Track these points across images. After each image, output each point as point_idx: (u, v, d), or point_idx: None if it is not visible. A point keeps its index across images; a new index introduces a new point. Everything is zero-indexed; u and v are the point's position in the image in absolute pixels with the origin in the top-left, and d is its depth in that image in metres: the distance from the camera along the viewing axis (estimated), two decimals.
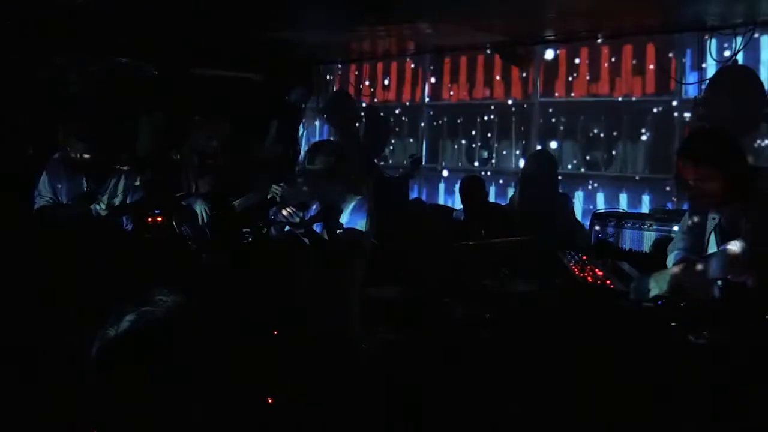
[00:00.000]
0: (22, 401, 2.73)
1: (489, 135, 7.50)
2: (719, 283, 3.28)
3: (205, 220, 5.43)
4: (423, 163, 7.63)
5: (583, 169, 6.81)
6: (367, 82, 8.40)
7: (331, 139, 8.26)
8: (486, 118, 7.50)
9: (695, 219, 3.46)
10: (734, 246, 3.12)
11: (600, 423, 2.71)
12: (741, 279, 3.13)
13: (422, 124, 8.03)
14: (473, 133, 7.61)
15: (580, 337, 3.19)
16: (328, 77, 8.83)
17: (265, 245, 5.02)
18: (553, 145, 6.96)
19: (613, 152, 6.60)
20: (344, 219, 4.19)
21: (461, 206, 6.37)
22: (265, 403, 2.64)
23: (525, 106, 7.18)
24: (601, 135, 6.66)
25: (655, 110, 6.32)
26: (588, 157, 6.77)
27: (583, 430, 2.74)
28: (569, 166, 6.89)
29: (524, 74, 7.14)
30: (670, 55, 6.20)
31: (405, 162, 7.62)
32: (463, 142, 7.70)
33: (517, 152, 7.27)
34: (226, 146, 5.66)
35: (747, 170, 3.24)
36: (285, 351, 3.45)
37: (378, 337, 4.07)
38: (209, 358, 1.72)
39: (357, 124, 8.41)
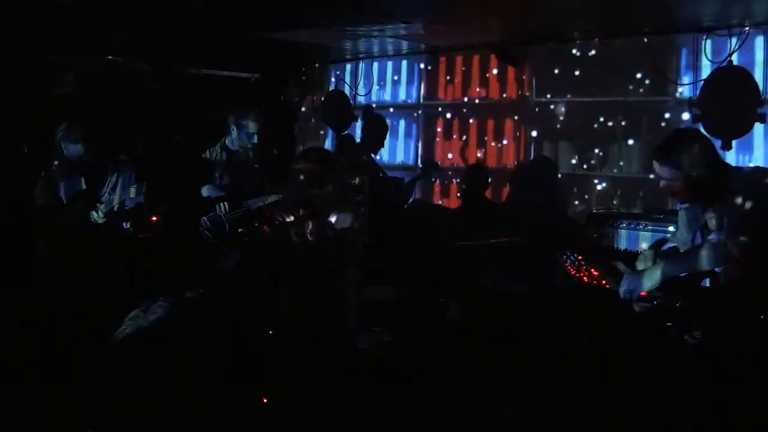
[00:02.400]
0: (23, 400, 2.73)
1: (484, 134, 7.52)
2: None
3: (224, 211, 5.53)
4: (438, 168, 7.62)
5: (579, 169, 6.82)
6: (362, 82, 8.40)
7: (317, 146, 8.27)
8: (481, 118, 7.51)
9: (686, 217, 3.61)
10: (715, 238, 3.21)
11: (596, 423, 2.72)
12: (728, 269, 3.19)
13: (418, 124, 8.06)
14: (468, 132, 7.62)
15: (577, 337, 3.20)
16: (323, 76, 8.83)
17: (259, 244, 5.03)
18: (549, 145, 6.98)
19: (609, 152, 6.61)
20: (333, 219, 4.21)
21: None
22: (262, 402, 2.64)
23: (520, 105, 7.19)
24: (597, 135, 6.67)
25: (650, 111, 6.34)
26: (583, 157, 6.79)
27: (579, 429, 2.75)
28: (565, 166, 6.90)
29: (520, 74, 7.15)
30: (666, 56, 6.21)
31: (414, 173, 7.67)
32: (459, 141, 7.71)
33: (512, 154, 7.29)
34: (257, 145, 5.76)
35: (718, 170, 3.36)
36: (281, 351, 3.45)
37: (374, 338, 4.07)
38: (219, 354, 1.74)
39: (353, 124, 8.41)
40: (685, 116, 5.98)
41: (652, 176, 3.57)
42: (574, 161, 6.85)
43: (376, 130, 8.14)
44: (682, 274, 3.40)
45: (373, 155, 7.99)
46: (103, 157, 5.34)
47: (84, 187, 5.30)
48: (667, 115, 6.23)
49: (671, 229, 4.57)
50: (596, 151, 6.68)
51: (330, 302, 4.02)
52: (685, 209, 3.63)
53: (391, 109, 8.24)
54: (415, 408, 3.11)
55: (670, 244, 3.80)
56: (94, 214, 5.24)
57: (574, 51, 6.68)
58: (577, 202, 6.77)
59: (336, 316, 4.04)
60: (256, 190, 5.72)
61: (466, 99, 7.61)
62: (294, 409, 2.89)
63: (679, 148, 3.35)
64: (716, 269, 3.43)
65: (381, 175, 7.70)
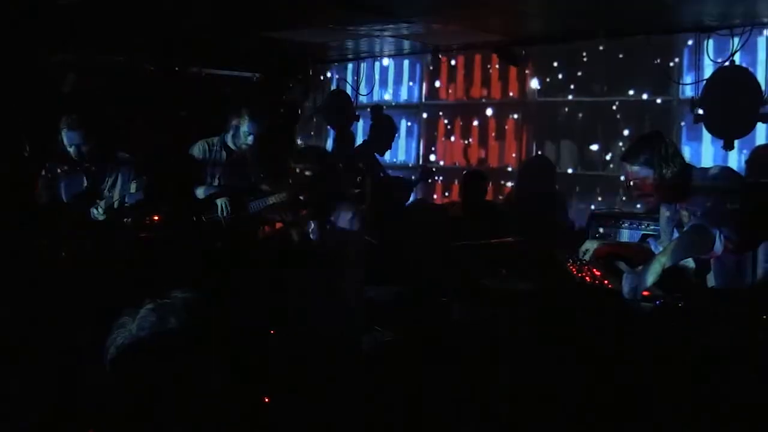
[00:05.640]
0: (24, 399, 2.72)
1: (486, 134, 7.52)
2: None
3: (225, 214, 5.52)
4: (434, 173, 7.64)
5: (580, 169, 6.82)
6: (364, 82, 8.39)
7: (316, 145, 8.27)
8: (483, 117, 7.51)
9: (665, 214, 3.81)
10: (697, 222, 3.40)
11: (599, 424, 2.72)
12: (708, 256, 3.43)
13: (420, 124, 8.06)
14: (470, 132, 7.62)
15: (579, 338, 3.20)
16: (325, 76, 8.82)
17: (260, 245, 5.03)
18: (550, 145, 6.98)
19: (611, 152, 6.61)
20: (334, 219, 4.21)
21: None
22: (263, 402, 2.64)
23: (522, 105, 7.19)
24: (599, 135, 6.67)
25: (652, 110, 6.33)
26: (585, 157, 6.78)
27: (581, 430, 2.75)
28: (567, 166, 6.89)
29: (522, 74, 7.14)
30: (668, 55, 6.21)
31: (415, 173, 7.69)
32: (461, 141, 7.71)
33: (514, 154, 7.29)
34: (256, 144, 5.72)
35: (684, 170, 3.54)
36: (283, 350, 3.45)
37: (376, 337, 4.07)
38: (216, 357, 1.73)
39: (354, 124, 8.40)
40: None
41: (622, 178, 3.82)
42: (575, 161, 6.85)
43: (385, 130, 8.13)
44: (678, 262, 3.48)
45: (378, 155, 7.99)
46: (103, 154, 5.34)
47: (85, 185, 5.30)
48: (669, 115, 6.23)
49: None
50: (597, 151, 6.68)
51: (331, 302, 4.02)
52: (665, 208, 3.79)
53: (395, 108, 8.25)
54: (415, 408, 3.11)
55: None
56: (94, 211, 5.23)
57: (575, 51, 6.68)
58: (578, 202, 6.78)
59: (337, 315, 4.04)
60: (254, 189, 5.69)
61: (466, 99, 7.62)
62: (295, 409, 2.89)
63: (646, 150, 3.55)
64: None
65: (383, 174, 7.70)
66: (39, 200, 5.32)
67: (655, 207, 3.90)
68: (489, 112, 7.47)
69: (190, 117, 7.37)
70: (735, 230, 3.29)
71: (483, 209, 6.29)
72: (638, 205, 4.94)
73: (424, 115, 8.00)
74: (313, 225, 4.22)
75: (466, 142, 7.65)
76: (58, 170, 5.30)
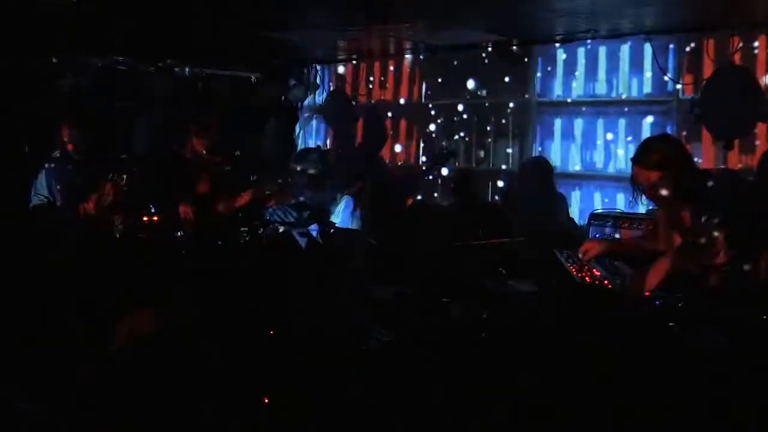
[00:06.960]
0: (22, 399, 2.73)
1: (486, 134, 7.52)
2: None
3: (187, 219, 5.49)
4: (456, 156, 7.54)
5: (580, 169, 6.82)
6: (364, 82, 8.39)
7: (318, 145, 8.28)
8: (483, 117, 7.51)
9: (665, 216, 3.76)
10: (704, 230, 3.29)
11: (600, 424, 2.72)
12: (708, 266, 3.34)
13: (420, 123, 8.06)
14: (470, 132, 7.62)
15: (579, 338, 3.20)
16: (325, 77, 8.83)
17: (261, 246, 5.02)
18: (550, 144, 6.98)
19: (611, 152, 6.61)
20: (336, 219, 4.22)
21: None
22: (263, 402, 2.64)
23: (522, 105, 7.18)
24: (599, 135, 6.67)
25: (652, 110, 6.33)
26: (585, 157, 6.78)
27: (581, 431, 2.75)
28: (566, 166, 6.89)
29: (522, 74, 7.14)
30: (668, 55, 6.21)
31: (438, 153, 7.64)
32: (460, 140, 7.71)
33: (510, 151, 7.28)
34: (229, 146, 5.69)
35: (692, 173, 3.55)
36: (283, 351, 3.45)
37: (376, 338, 4.07)
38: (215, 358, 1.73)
39: (354, 124, 8.40)
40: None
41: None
42: (575, 161, 6.86)
43: (377, 130, 8.13)
44: (683, 269, 3.45)
45: (375, 155, 7.98)
46: (100, 153, 5.34)
47: (80, 183, 5.30)
48: (669, 115, 6.23)
49: None
50: (598, 151, 6.69)
51: (332, 301, 4.02)
52: (664, 209, 3.75)
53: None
54: (416, 408, 3.11)
55: None
56: (86, 206, 5.22)
57: (575, 51, 6.69)
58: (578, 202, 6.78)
59: (338, 315, 4.04)
60: (231, 190, 5.66)
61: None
62: (295, 409, 2.89)
63: (658, 151, 3.53)
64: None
65: (383, 174, 7.69)
66: (35, 200, 5.33)
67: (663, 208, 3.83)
68: (489, 112, 7.45)
69: (188, 117, 7.37)
70: (743, 235, 3.23)
71: (482, 210, 6.28)
72: (649, 207, 4.92)
73: (425, 115, 7.97)
74: (316, 226, 4.22)
75: (466, 142, 7.62)
76: (53, 166, 5.31)
